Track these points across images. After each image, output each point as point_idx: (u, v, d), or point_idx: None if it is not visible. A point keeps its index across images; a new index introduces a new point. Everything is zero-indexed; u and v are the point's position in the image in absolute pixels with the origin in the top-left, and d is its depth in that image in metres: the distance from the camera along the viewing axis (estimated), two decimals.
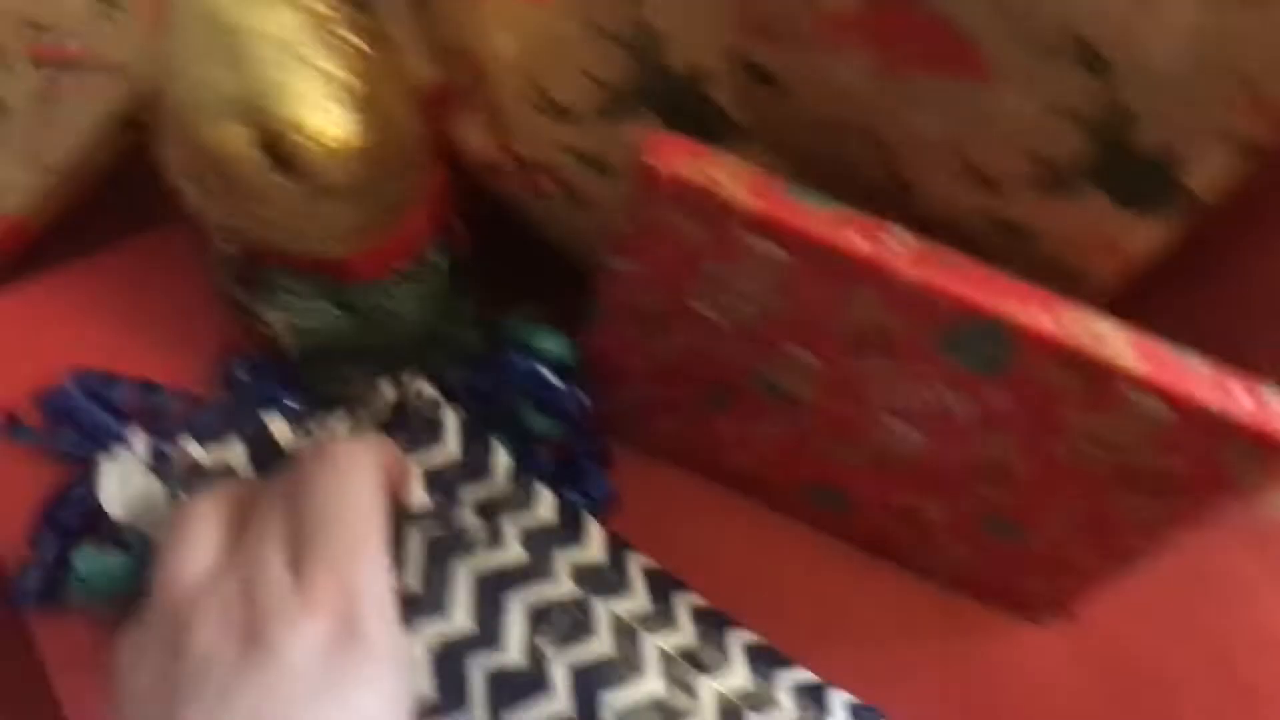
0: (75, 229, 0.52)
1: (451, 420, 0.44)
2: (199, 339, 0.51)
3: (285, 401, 0.48)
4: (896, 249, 0.37)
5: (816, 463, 0.46)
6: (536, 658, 0.40)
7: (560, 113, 0.42)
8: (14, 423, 0.48)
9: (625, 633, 0.42)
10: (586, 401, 0.46)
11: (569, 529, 0.44)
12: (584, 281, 0.48)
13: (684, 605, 0.45)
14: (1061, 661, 0.50)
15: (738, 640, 0.45)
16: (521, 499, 0.43)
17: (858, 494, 0.47)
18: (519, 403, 0.46)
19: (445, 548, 0.41)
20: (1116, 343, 0.37)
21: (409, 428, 0.43)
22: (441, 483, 0.42)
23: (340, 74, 0.37)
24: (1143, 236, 0.37)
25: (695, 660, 0.43)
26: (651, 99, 0.41)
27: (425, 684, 0.39)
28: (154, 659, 0.33)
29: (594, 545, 0.44)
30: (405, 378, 0.45)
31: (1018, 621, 0.51)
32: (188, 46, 0.37)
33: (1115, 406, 0.38)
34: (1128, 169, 0.35)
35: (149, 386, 0.49)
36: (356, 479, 0.36)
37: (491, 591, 0.40)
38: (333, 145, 0.37)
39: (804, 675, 0.45)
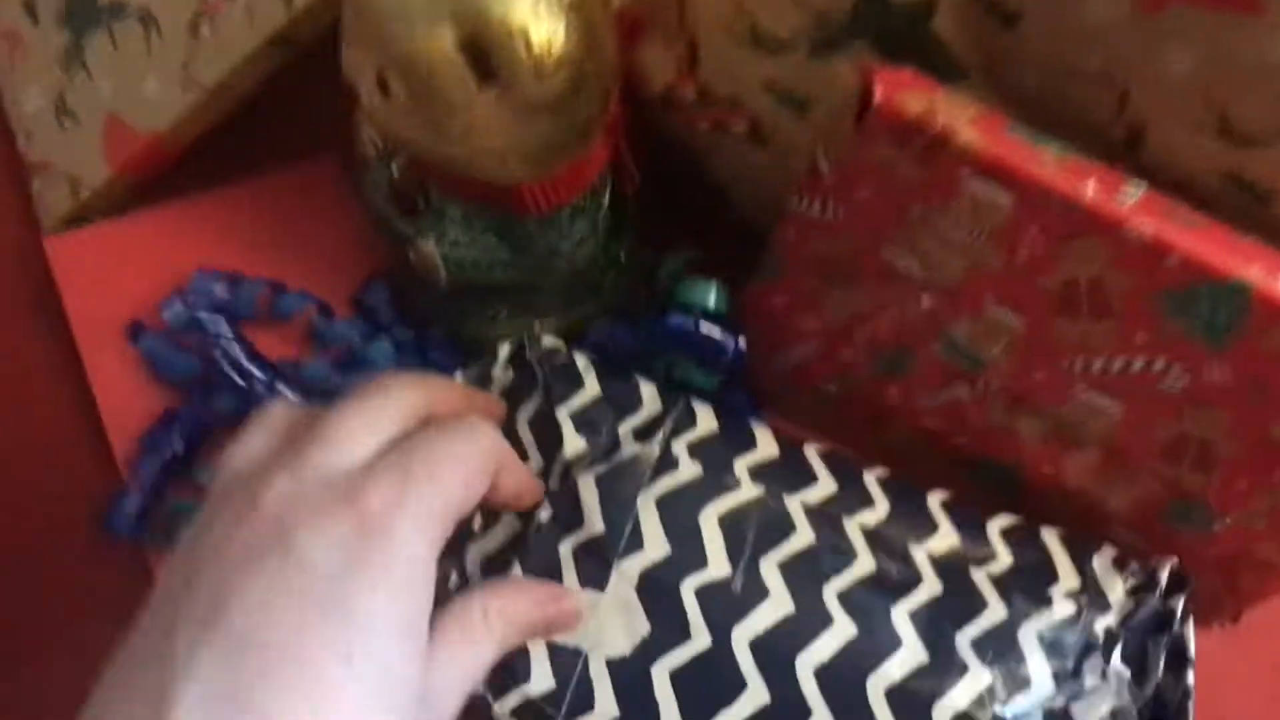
0: (216, 153, 0.50)
1: (585, 363, 0.43)
2: (342, 268, 0.49)
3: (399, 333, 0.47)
4: (1130, 200, 0.35)
5: (990, 435, 0.44)
6: (744, 565, 0.38)
7: (764, 43, 0.40)
8: (138, 330, 0.47)
9: (824, 520, 0.40)
10: (745, 354, 0.44)
11: (737, 435, 0.42)
12: (745, 232, 0.46)
13: (872, 480, 0.42)
14: (1231, 666, 0.47)
15: (934, 501, 0.42)
16: (681, 418, 0.41)
17: (1031, 473, 0.45)
18: (673, 360, 0.44)
19: (616, 482, 0.39)
20: None
21: (543, 381, 0.42)
22: (592, 422, 0.41)
23: None
24: None
25: (900, 530, 0.40)
26: (867, 31, 0.38)
27: (641, 624, 0.37)
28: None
29: (767, 444, 0.42)
30: (526, 336, 0.44)
31: None
32: None
33: None
34: None
35: (276, 285, 0.49)
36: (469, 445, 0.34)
37: (677, 512, 0.39)
38: (542, 54, 0.35)
39: (1006, 520, 0.42)
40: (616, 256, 0.47)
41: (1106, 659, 0.39)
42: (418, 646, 0.31)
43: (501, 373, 0.43)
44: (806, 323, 0.43)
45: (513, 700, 0.36)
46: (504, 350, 0.43)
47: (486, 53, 0.35)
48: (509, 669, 0.36)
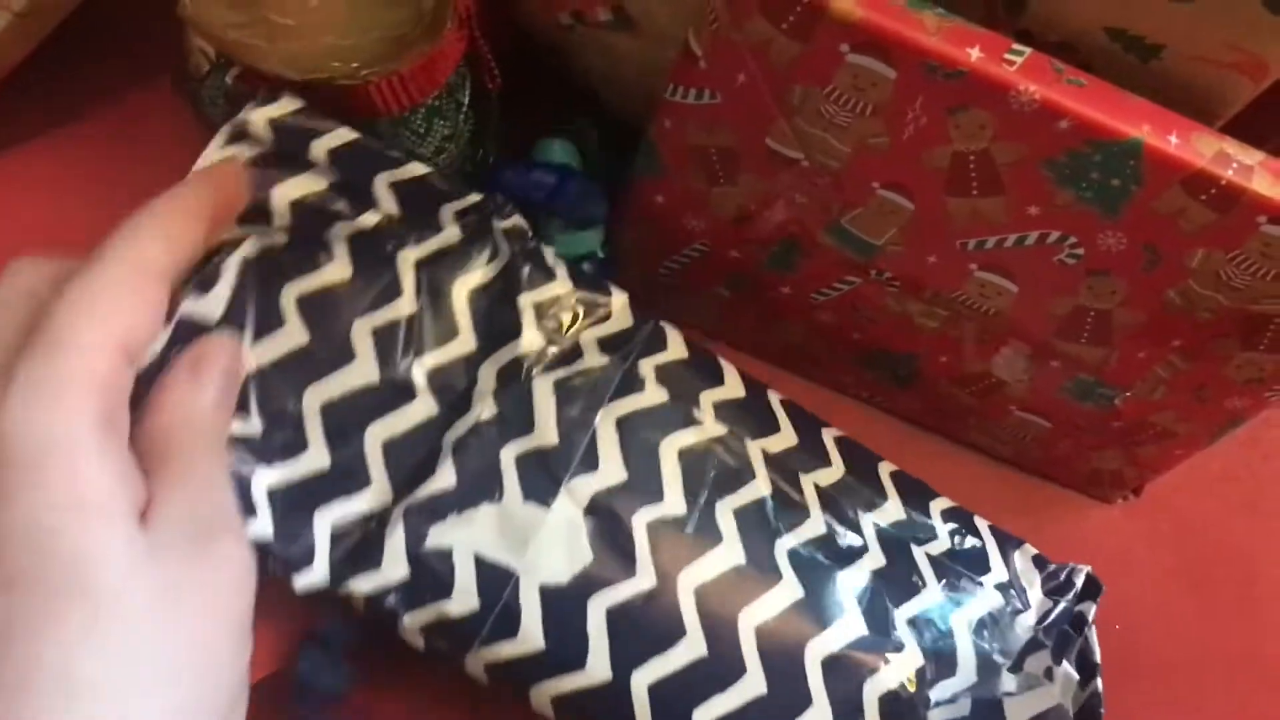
0: (41, 81, 0.45)
1: (553, 258, 0.38)
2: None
3: None
4: (1016, 63, 0.33)
5: (887, 325, 0.43)
6: (700, 507, 0.36)
7: None
8: None
9: (782, 472, 0.38)
10: (603, 196, 0.41)
11: (704, 367, 0.40)
12: (623, 132, 0.44)
13: (829, 438, 0.41)
14: (1134, 540, 0.47)
15: (885, 471, 0.41)
16: (651, 338, 0.39)
17: (928, 361, 0.44)
18: (541, 227, 0.41)
19: (576, 392, 0.36)
20: (1253, 169, 0.34)
21: (508, 258, 0.37)
22: (555, 321, 0.38)
23: None
24: None
25: (852, 496, 0.39)
26: None
27: (584, 552, 0.34)
28: None
29: (733, 383, 0.40)
30: (493, 199, 0.37)
31: (1085, 501, 0.48)
32: None
33: (1245, 240, 0.35)
34: None
35: None
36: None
37: (637, 437, 0.36)
38: None
39: (946, 501, 0.42)
40: (485, 160, 0.44)
41: (1056, 659, 0.38)
42: None
43: (453, 226, 0.37)
44: (692, 222, 0.41)
45: (425, 615, 0.33)
46: (461, 202, 0.36)
47: None
48: (429, 577, 0.33)
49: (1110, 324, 0.39)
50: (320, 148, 0.34)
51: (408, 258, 0.36)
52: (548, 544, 0.34)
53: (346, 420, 0.34)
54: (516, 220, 0.38)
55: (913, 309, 0.41)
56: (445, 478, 0.34)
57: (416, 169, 0.35)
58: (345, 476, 0.34)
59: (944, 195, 0.36)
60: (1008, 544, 0.42)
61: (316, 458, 0.33)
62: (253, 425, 0.33)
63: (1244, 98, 0.36)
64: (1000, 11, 0.36)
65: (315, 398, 0.34)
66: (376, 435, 0.34)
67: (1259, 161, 0.34)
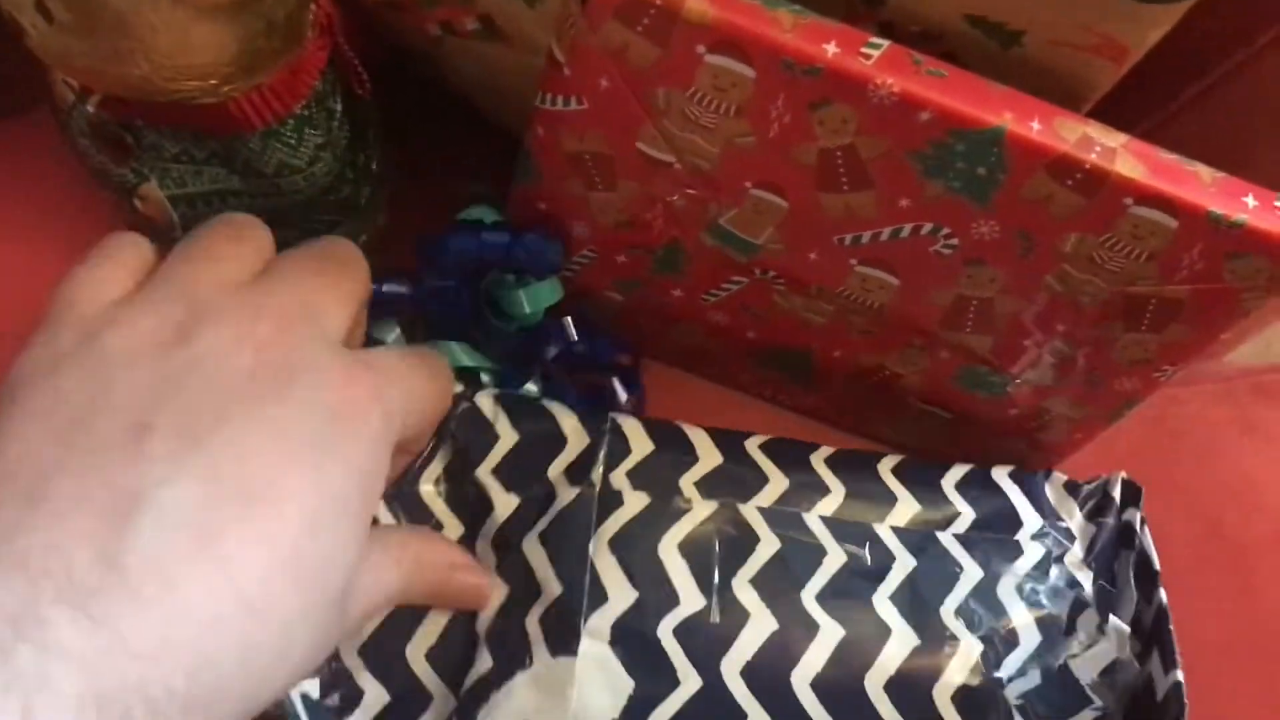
0: None
1: (490, 405, 0.39)
2: (64, 231, 0.44)
3: None
4: (873, 56, 0.33)
5: (778, 323, 0.42)
6: (716, 592, 0.36)
7: None
8: None
9: (784, 521, 0.38)
10: (559, 247, 0.41)
11: (674, 448, 0.39)
12: (500, 138, 0.44)
13: (820, 462, 0.40)
14: None
15: (886, 469, 0.41)
16: (613, 445, 0.38)
17: (823, 356, 0.43)
18: (494, 294, 0.41)
19: (562, 535, 0.36)
20: (1116, 151, 0.34)
21: (450, 441, 0.38)
22: (518, 475, 0.38)
23: None
24: (1144, 25, 0.33)
25: (860, 510, 0.39)
26: None
27: (624, 681, 0.34)
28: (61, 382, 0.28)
29: (707, 451, 0.39)
30: None
31: None
32: None
33: (1115, 223, 0.35)
34: None
35: None
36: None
37: (634, 551, 0.36)
38: None
39: (958, 470, 0.42)
40: (367, 167, 0.43)
41: (1102, 614, 0.39)
42: (365, 526, 0.30)
43: None
44: (575, 228, 0.41)
45: None
46: None
47: None
48: None
49: (993, 312, 0.39)
50: None
51: None
52: (587, 687, 0.34)
53: (386, 651, 0.34)
54: None
55: (800, 305, 0.41)
56: (483, 663, 0.34)
57: None
58: (407, 702, 0.34)
59: (816, 192, 0.36)
60: (1034, 484, 0.42)
61: (377, 698, 0.34)
62: (311, 688, 0.33)
63: (1107, 81, 0.36)
64: (860, 5, 0.36)
65: (351, 643, 0.34)
66: (417, 650, 0.35)
67: (1122, 144, 0.34)
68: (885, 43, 0.33)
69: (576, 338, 0.43)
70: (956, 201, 0.35)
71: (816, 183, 0.36)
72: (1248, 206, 0.34)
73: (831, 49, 0.33)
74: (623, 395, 0.44)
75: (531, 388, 0.42)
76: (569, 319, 0.43)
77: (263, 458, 0.27)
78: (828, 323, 0.42)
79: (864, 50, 0.33)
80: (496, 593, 0.36)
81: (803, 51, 0.33)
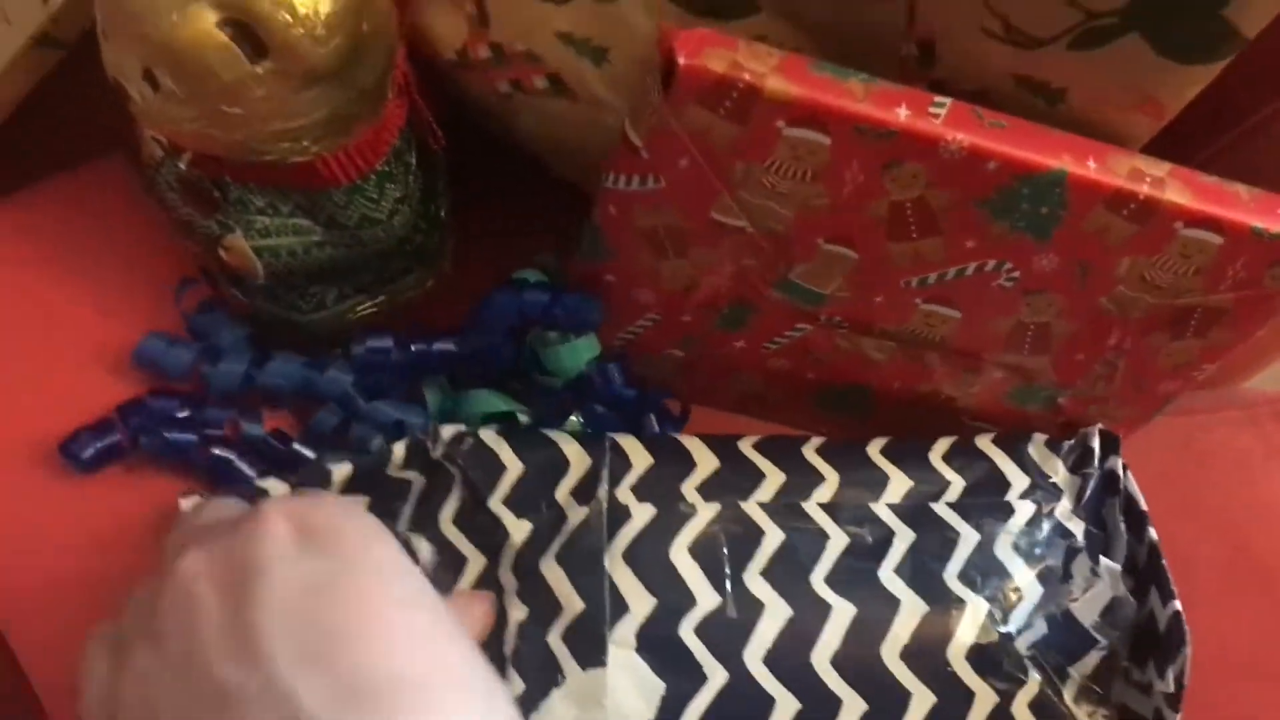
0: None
1: (495, 438, 0.40)
2: (146, 276, 0.45)
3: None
4: (940, 115, 0.35)
5: (839, 362, 0.44)
6: (730, 588, 0.38)
7: None
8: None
9: (785, 513, 0.40)
10: (598, 305, 0.42)
11: (673, 459, 0.41)
12: (566, 191, 0.45)
13: (812, 453, 0.42)
14: None
15: (874, 451, 0.43)
16: (615, 463, 0.40)
17: (882, 389, 0.46)
18: (536, 349, 0.43)
19: (577, 553, 0.38)
20: (1164, 180, 0.36)
21: (461, 476, 0.40)
22: (528, 501, 0.39)
23: None
24: (1180, 85, 0.36)
25: (856, 493, 0.41)
26: None
27: (655, 684, 0.36)
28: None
29: (704, 458, 0.41)
30: (427, 431, 0.41)
31: None
32: None
33: (1166, 245, 0.37)
34: (1173, 11, 0.34)
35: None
36: None
37: (647, 560, 0.38)
38: (310, 16, 0.33)
39: (943, 443, 0.43)
40: (437, 217, 0.45)
41: (1093, 558, 0.41)
42: None
43: (399, 472, 0.41)
44: (641, 296, 0.42)
45: None
46: (398, 450, 0.40)
47: (252, 28, 0.32)
48: None
49: (1049, 334, 0.41)
50: None
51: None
52: (622, 694, 0.36)
53: None
54: (448, 431, 0.40)
55: (864, 345, 0.43)
56: (515, 686, 0.36)
57: (344, 470, 0.40)
58: None
59: (885, 242, 0.38)
60: (1017, 447, 0.43)
61: None
62: None
63: (1145, 134, 0.38)
64: (914, 66, 0.38)
65: None
66: None
67: (1168, 172, 0.37)
68: (948, 101, 0.35)
69: (623, 383, 0.45)
70: (1020, 239, 0.38)
71: (887, 234, 0.38)
72: None
73: (903, 112, 0.35)
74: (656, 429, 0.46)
75: (575, 421, 0.44)
76: (614, 365, 0.44)
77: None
78: (886, 358, 0.44)
79: (931, 110, 0.35)
80: (517, 615, 0.37)
81: (877, 118, 0.35)
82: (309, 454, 0.42)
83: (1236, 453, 0.53)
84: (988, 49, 0.37)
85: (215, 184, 0.39)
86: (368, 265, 0.43)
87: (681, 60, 0.34)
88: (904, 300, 0.41)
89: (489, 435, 0.40)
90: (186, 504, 0.40)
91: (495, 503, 0.39)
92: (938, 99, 0.35)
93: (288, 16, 0.32)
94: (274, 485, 0.40)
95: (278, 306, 0.44)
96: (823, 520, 0.40)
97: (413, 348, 0.43)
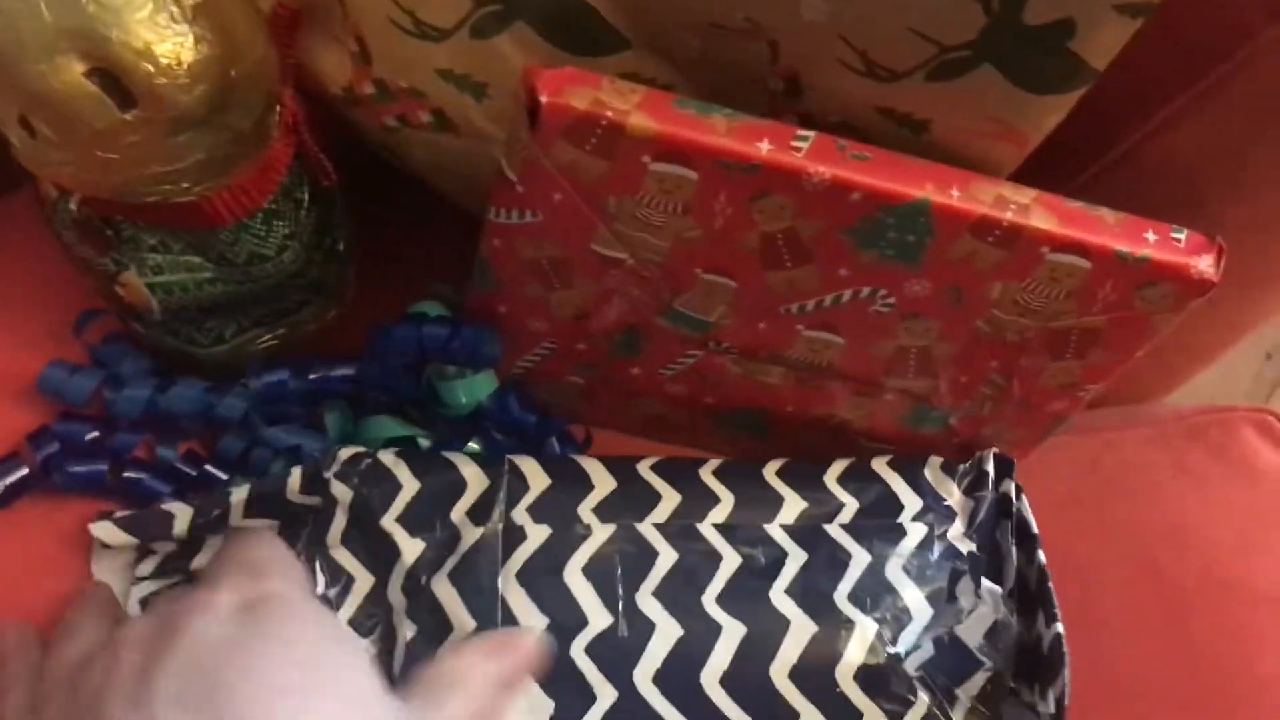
0: None
1: (392, 459, 0.41)
2: (54, 309, 0.46)
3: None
4: (802, 149, 0.36)
5: (733, 387, 0.45)
6: (622, 608, 0.38)
7: (426, 30, 0.39)
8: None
9: (679, 534, 0.40)
10: (496, 340, 0.43)
11: (570, 480, 0.42)
12: (462, 220, 0.46)
13: (709, 474, 0.43)
14: None
15: (771, 472, 0.43)
16: (512, 484, 0.41)
17: (778, 412, 0.46)
18: (434, 382, 0.43)
19: (470, 574, 0.38)
20: (1029, 206, 0.37)
21: (355, 496, 0.40)
22: (422, 520, 0.40)
23: None
24: (1038, 114, 0.37)
25: (750, 514, 0.42)
26: (524, 8, 0.38)
27: (544, 702, 0.37)
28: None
29: (601, 479, 0.42)
30: (320, 456, 0.41)
31: None
32: None
33: (1034, 269, 0.38)
34: (1021, 43, 0.35)
35: None
36: None
37: (540, 580, 0.39)
38: (173, 65, 0.33)
39: (839, 465, 0.44)
40: (333, 249, 0.46)
41: (976, 580, 0.41)
42: None
43: (298, 497, 0.41)
44: (534, 324, 0.43)
45: None
46: (295, 476, 0.41)
47: (119, 78, 0.33)
48: None
49: (931, 357, 0.42)
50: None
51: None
52: (511, 713, 0.36)
53: None
54: (345, 453, 0.41)
55: (753, 369, 0.44)
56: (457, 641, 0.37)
57: (241, 494, 0.40)
58: None
59: (761, 271, 0.39)
60: (912, 469, 0.44)
61: None
62: None
63: (1012, 163, 0.39)
64: (781, 99, 0.39)
65: None
66: None
67: (1033, 199, 0.37)
68: (812, 134, 0.36)
69: (520, 411, 0.46)
70: (890, 266, 0.38)
71: (761, 263, 0.39)
72: (1149, 241, 0.38)
73: (765, 146, 0.36)
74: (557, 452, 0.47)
75: (474, 446, 0.45)
76: (511, 394, 0.45)
77: None
78: (779, 382, 0.44)
79: (794, 144, 0.36)
80: (406, 632, 0.38)
81: (739, 152, 0.35)
82: (221, 476, 0.43)
83: (1145, 471, 0.54)
84: (850, 82, 0.37)
85: (107, 223, 0.40)
86: (263, 299, 0.44)
87: (544, 98, 0.34)
88: (786, 327, 0.41)
89: (387, 456, 0.41)
90: (98, 529, 0.40)
91: (389, 520, 0.40)
92: (801, 132, 0.36)
93: (150, 67, 0.33)
94: (238, 492, 0.41)
95: (177, 340, 0.44)
96: (716, 541, 0.41)
97: (310, 376, 0.44)
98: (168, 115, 0.34)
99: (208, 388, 0.43)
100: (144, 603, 0.40)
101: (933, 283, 0.39)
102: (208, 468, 0.43)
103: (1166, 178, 0.42)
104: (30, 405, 0.44)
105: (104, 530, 0.40)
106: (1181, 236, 0.38)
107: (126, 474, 0.42)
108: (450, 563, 0.39)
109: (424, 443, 0.44)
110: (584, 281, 0.41)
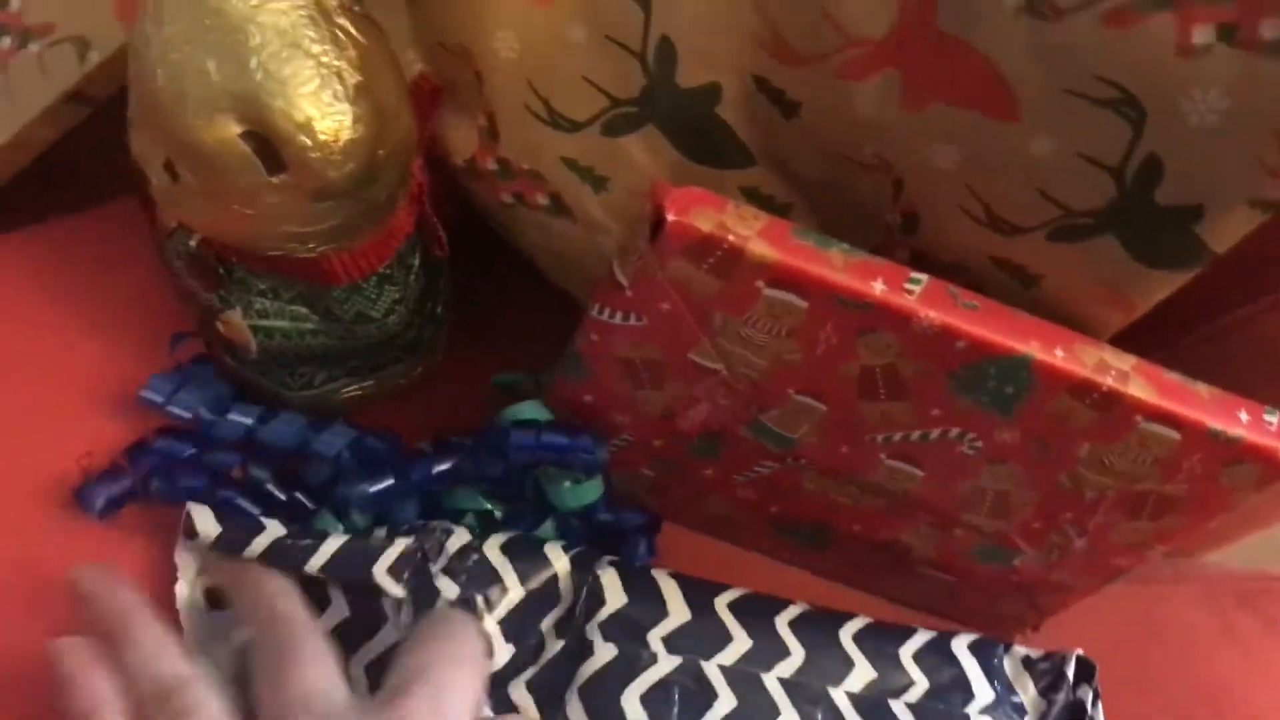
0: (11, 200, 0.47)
1: (498, 555, 0.42)
2: (146, 318, 0.47)
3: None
4: (915, 292, 0.36)
5: (803, 501, 0.45)
6: None
7: (558, 120, 0.40)
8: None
9: (743, 680, 0.41)
10: (606, 450, 0.44)
11: (647, 603, 0.42)
12: (557, 295, 0.47)
13: (784, 625, 0.43)
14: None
15: (848, 635, 0.43)
16: (590, 597, 0.41)
17: (841, 530, 0.47)
18: (541, 481, 0.44)
19: (546, 684, 0.39)
20: (1129, 374, 0.37)
21: (461, 594, 0.41)
22: (518, 628, 0.41)
23: (339, 66, 0.34)
24: (1150, 287, 0.37)
25: (818, 674, 0.42)
26: (658, 113, 0.39)
27: None
28: None
29: (677, 608, 0.42)
30: (432, 544, 0.42)
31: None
32: (173, 31, 0.34)
33: (1125, 435, 0.38)
34: (1147, 220, 0.35)
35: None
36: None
37: (600, 699, 0.39)
38: (330, 142, 0.34)
39: (919, 639, 0.44)
40: (433, 313, 0.46)
41: None
42: None
43: (385, 578, 0.41)
44: (617, 417, 0.43)
45: None
46: (389, 557, 0.41)
47: (273, 144, 0.34)
48: None
49: (1008, 501, 0.42)
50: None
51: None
52: None
53: None
54: (454, 545, 0.41)
55: (828, 487, 0.44)
56: None
57: (332, 545, 0.40)
58: None
59: (855, 400, 0.39)
60: (991, 657, 0.44)
61: None
62: None
63: (1115, 327, 0.40)
64: (897, 231, 0.39)
65: None
66: None
67: (1133, 366, 0.38)
68: (925, 278, 0.37)
69: (602, 508, 0.46)
70: (984, 413, 0.39)
71: (857, 392, 0.39)
72: (1242, 421, 0.38)
73: (879, 286, 0.36)
74: (643, 552, 0.47)
75: (549, 525, 0.45)
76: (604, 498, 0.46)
77: None
78: (850, 503, 0.45)
79: (907, 286, 0.36)
80: None
81: (853, 289, 0.36)
82: (309, 505, 0.44)
83: (1192, 631, 0.54)
84: (969, 230, 0.38)
85: (221, 262, 0.40)
86: (359, 354, 0.45)
87: (670, 216, 0.35)
88: (869, 454, 0.42)
89: (493, 553, 0.42)
90: (196, 511, 0.41)
91: (490, 623, 0.40)
92: (914, 275, 0.37)
93: (307, 140, 0.34)
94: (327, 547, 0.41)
95: (267, 380, 0.45)
96: (778, 694, 0.41)
97: (414, 477, 0.44)
98: (314, 185, 0.35)
99: (307, 423, 0.44)
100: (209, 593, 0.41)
101: (1022, 433, 0.39)
102: (298, 494, 0.44)
103: (1264, 359, 0.42)
104: (125, 414, 0.45)
105: (200, 514, 0.41)
106: (1274, 420, 0.39)
107: (221, 491, 0.43)
108: (530, 671, 0.40)
109: (497, 514, 0.45)
110: (674, 385, 0.41)
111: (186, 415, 0.44)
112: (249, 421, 0.44)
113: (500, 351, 0.48)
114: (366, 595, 0.41)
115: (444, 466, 0.44)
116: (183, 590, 0.41)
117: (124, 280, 0.49)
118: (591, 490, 0.44)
